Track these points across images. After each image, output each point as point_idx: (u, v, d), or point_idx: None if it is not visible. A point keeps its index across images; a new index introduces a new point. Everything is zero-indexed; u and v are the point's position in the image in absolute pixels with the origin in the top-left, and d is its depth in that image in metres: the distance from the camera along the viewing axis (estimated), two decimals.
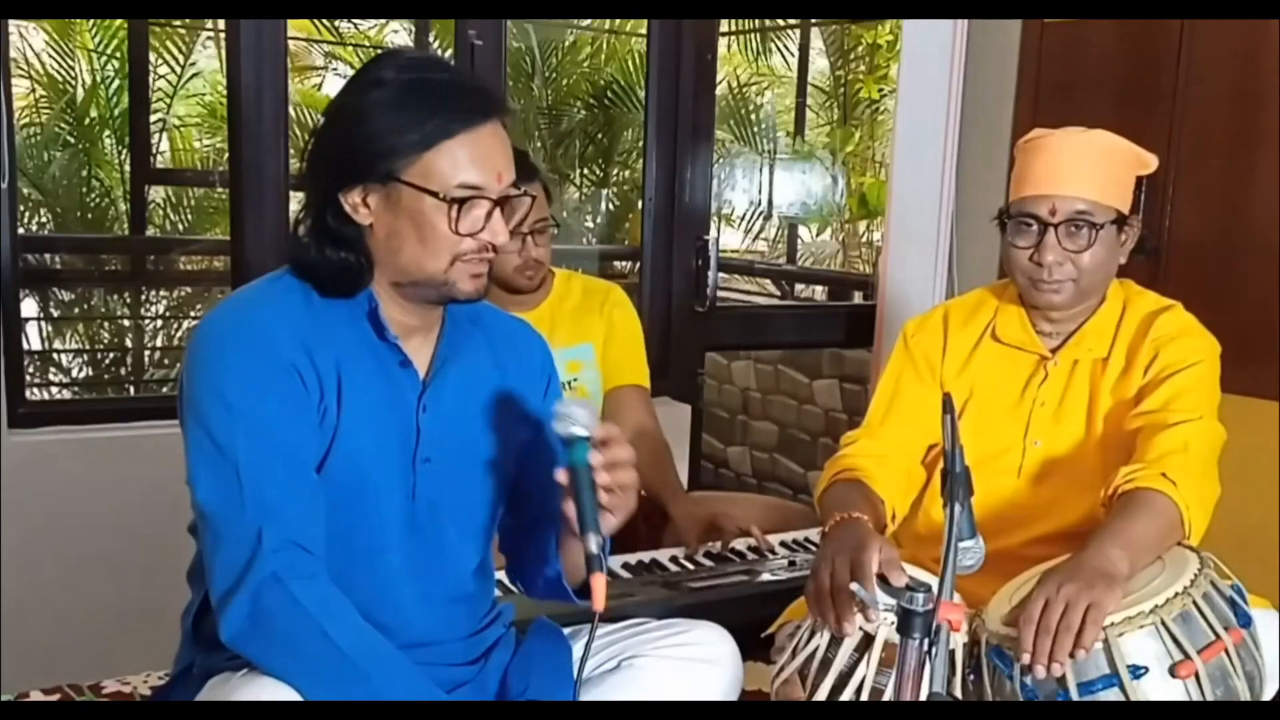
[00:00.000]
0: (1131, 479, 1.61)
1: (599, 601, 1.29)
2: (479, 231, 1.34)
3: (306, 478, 1.32)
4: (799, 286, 6.46)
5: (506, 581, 2.09)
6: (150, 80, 5.44)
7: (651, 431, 2.49)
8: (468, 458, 1.45)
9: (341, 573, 1.35)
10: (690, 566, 2.26)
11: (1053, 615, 1.42)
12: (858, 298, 4.66)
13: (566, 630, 1.56)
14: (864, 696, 1.54)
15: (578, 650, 1.52)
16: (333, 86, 6.66)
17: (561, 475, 1.31)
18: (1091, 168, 1.75)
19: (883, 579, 1.62)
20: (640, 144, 5.17)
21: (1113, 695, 1.42)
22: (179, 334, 5.52)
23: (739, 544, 2.32)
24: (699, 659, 1.50)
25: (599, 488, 1.30)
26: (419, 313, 1.41)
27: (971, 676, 1.57)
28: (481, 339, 1.48)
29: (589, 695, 1.48)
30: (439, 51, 5.35)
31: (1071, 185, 1.73)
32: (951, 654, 1.53)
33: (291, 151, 2.95)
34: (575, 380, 2.46)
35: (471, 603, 1.52)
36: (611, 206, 6.67)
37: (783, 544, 2.37)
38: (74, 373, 5.61)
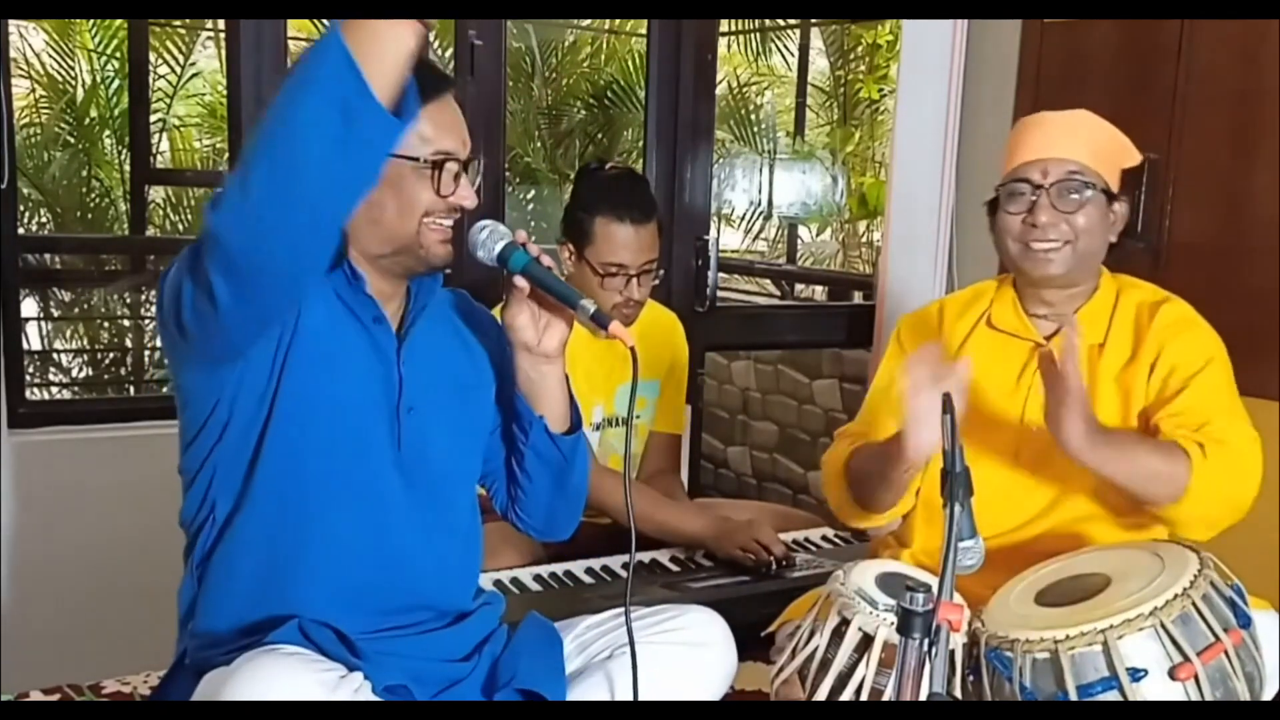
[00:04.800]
0: (1177, 434, 1.68)
1: (628, 339, 1.38)
2: (450, 194, 1.41)
3: None
4: (799, 286, 6.46)
5: (507, 583, 2.09)
6: (150, 80, 5.43)
7: (669, 474, 2.55)
8: (446, 408, 1.50)
9: (351, 526, 1.40)
10: (691, 566, 2.26)
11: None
12: (858, 298, 4.65)
13: (558, 624, 1.57)
14: (864, 696, 1.54)
15: (568, 644, 1.53)
16: None
17: (520, 280, 1.42)
18: (1081, 135, 1.79)
19: (882, 580, 1.63)
20: (640, 144, 5.16)
21: (1112, 698, 1.42)
22: None
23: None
24: (692, 643, 1.52)
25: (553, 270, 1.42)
26: (394, 283, 1.47)
27: (971, 677, 1.57)
28: (436, 307, 1.54)
29: (583, 684, 1.48)
30: (439, 51, 5.36)
31: (1062, 148, 1.77)
32: (951, 654, 1.53)
33: None
34: (639, 418, 2.49)
35: (462, 571, 1.55)
36: None
37: (784, 544, 2.36)
38: (74, 373, 5.61)
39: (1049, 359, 1.63)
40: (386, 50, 1.12)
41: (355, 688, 1.28)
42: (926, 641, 1.17)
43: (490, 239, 1.43)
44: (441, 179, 1.40)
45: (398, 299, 1.49)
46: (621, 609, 1.58)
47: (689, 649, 1.51)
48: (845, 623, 1.59)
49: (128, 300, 5.54)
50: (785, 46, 7.32)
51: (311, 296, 1.40)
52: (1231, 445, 1.68)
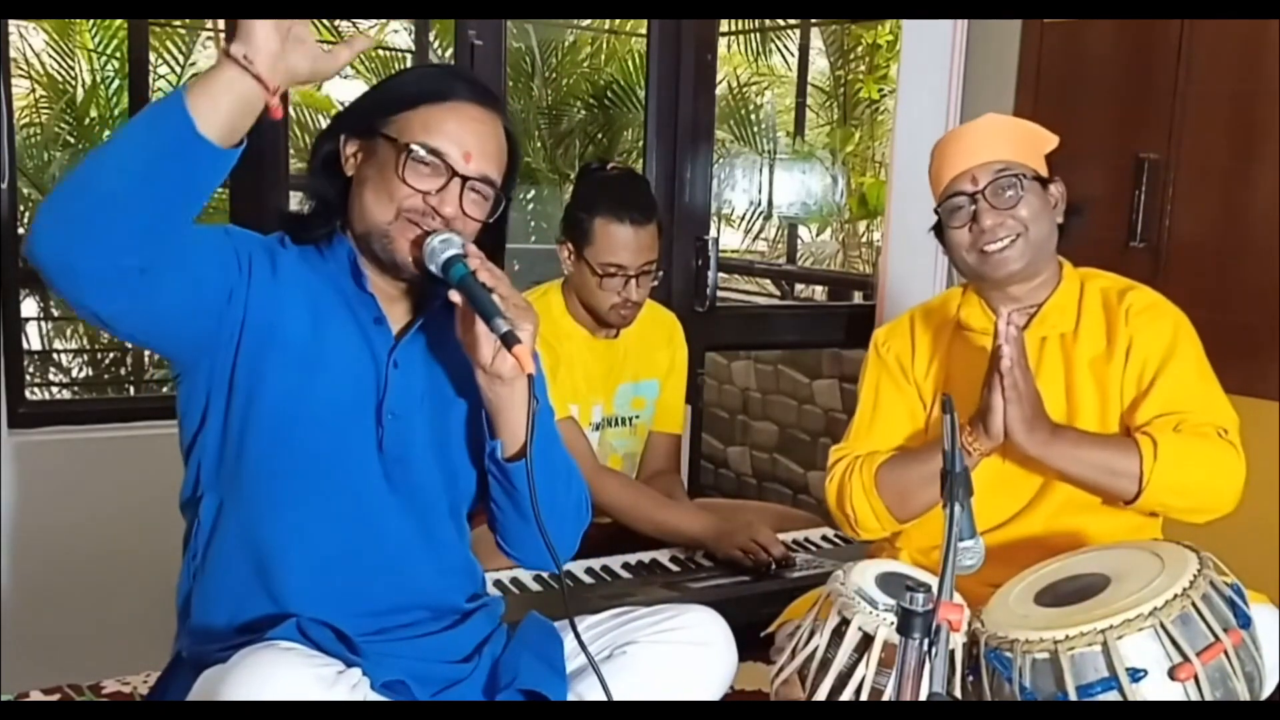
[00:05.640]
0: (1143, 429, 1.72)
1: (527, 365, 1.34)
2: (429, 194, 1.39)
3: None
4: (799, 286, 6.46)
5: (507, 583, 2.09)
6: (150, 80, 5.43)
7: (669, 474, 2.55)
8: (435, 418, 1.48)
9: (332, 526, 1.40)
10: (691, 566, 2.26)
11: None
12: (858, 298, 4.65)
13: (558, 624, 1.56)
14: (864, 696, 1.54)
15: (568, 644, 1.53)
16: (333, 86, 6.67)
17: (455, 295, 1.37)
18: (994, 136, 1.82)
19: (882, 580, 1.62)
20: (640, 144, 5.17)
21: (1112, 698, 1.42)
22: None
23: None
24: (692, 642, 1.51)
25: (491, 290, 1.36)
26: (393, 282, 1.46)
27: (971, 677, 1.57)
28: (453, 317, 1.49)
29: (583, 684, 1.48)
30: (439, 51, 5.36)
31: (982, 152, 1.80)
32: (951, 654, 1.53)
33: (291, 151, 2.95)
34: (638, 418, 2.49)
35: (455, 572, 1.54)
36: None
37: (784, 544, 2.36)
38: (74, 373, 5.62)
39: (996, 357, 1.66)
40: (217, 87, 1.20)
41: (353, 683, 1.28)
42: (926, 641, 1.17)
43: (441, 249, 1.38)
44: (406, 165, 1.38)
45: (405, 301, 1.48)
46: (621, 609, 1.59)
47: (689, 648, 1.51)
48: (845, 623, 1.59)
49: None
50: (785, 46, 7.33)
51: (293, 299, 1.40)
52: (1203, 436, 1.72)
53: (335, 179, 1.46)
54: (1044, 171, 1.83)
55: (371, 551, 1.44)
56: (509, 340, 1.33)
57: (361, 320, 1.44)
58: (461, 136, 1.40)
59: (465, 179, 1.41)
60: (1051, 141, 1.86)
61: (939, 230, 1.87)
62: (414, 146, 1.39)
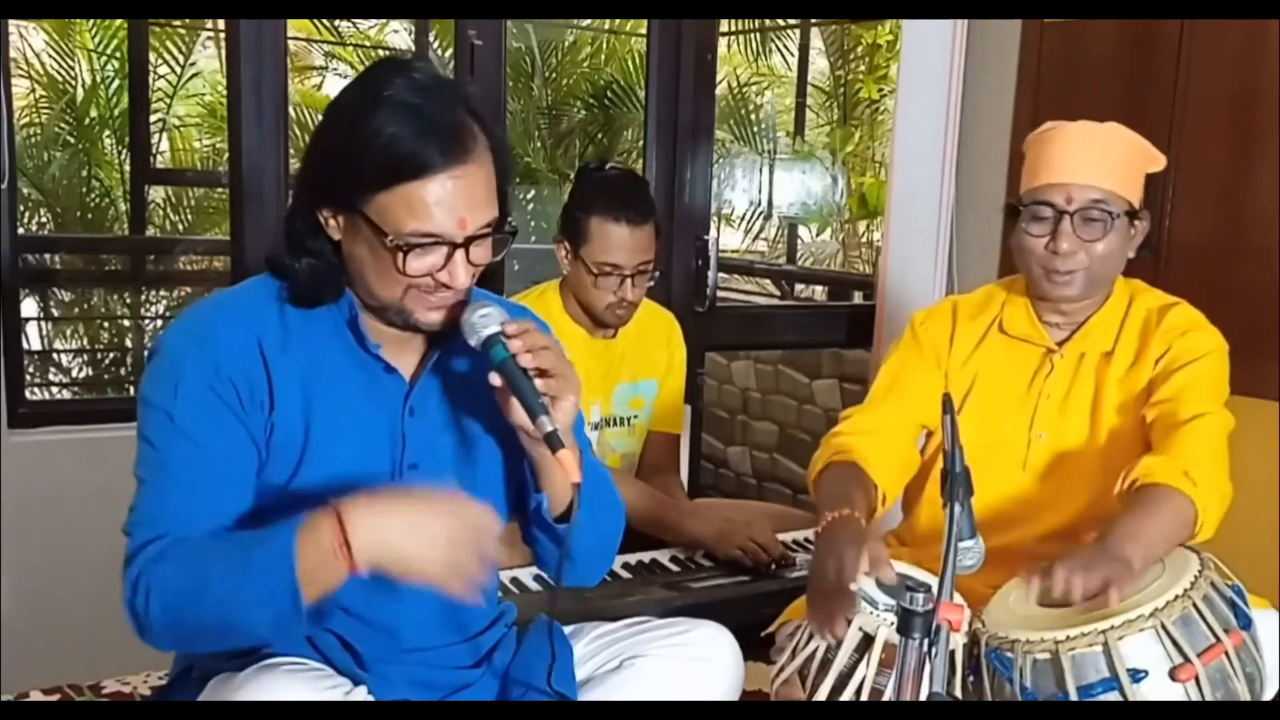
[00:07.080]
0: (1152, 474, 1.60)
1: (573, 474, 1.29)
2: (438, 271, 1.31)
3: (222, 495, 1.33)
4: (799, 286, 6.46)
5: (507, 583, 2.09)
6: (150, 80, 5.44)
7: (668, 473, 2.55)
8: (460, 460, 1.43)
9: (350, 591, 1.33)
10: (691, 566, 2.26)
11: (1075, 583, 1.44)
12: (858, 298, 4.65)
13: (568, 629, 1.56)
14: (864, 696, 1.54)
15: (577, 650, 1.52)
16: (333, 86, 6.67)
17: (495, 378, 1.31)
18: (1106, 158, 1.76)
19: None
20: (640, 144, 5.17)
21: (1112, 698, 1.42)
22: None
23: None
24: (700, 658, 1.50)
25: (531, 375, 1.30)
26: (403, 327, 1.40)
27: (971, 677, 1.57)
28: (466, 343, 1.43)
29: (591, 695, 1.47)
30: (439, 51, 5.36)
31: (1087, 174, 1.74)
32: (951, 654, 1.53)
33: (291, 151, 2.95)
34: (635, 418, 2.49)
35: (473, 609, 1.49)
36: None
37: (783, 544, 2.36)
38: (74, 373, 5.61)
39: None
40: (323, 580, 1.23)
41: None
42: (926, 641, 1.17)
43: (480, 323, 1.32)
44: (407, 261, 1.29)
45: (415, 340, 1.41)
46: (632, 619, 1.58)
47: (697, 664, 1.50)
48: (845, 623, 1.59)
49: (128, 300, 5.54)
50: (785, 46, 7.33)
51: (297, 373, 1.35)
52: (1211, 446, 1.66)
53: (322, 240, 1.35)
54: (1139, 198, 1.79)
55: (389, 611, 1.40)
56: (553, 443, 1.27)
57: (370, 370, 1.38)
58: (451, 206, 1.29)
59: (468, 241, 1.31)
60: (1159, 162, 1.83)
61: (1011, 213, 1.82)
62: (407, 244, 1.28)
